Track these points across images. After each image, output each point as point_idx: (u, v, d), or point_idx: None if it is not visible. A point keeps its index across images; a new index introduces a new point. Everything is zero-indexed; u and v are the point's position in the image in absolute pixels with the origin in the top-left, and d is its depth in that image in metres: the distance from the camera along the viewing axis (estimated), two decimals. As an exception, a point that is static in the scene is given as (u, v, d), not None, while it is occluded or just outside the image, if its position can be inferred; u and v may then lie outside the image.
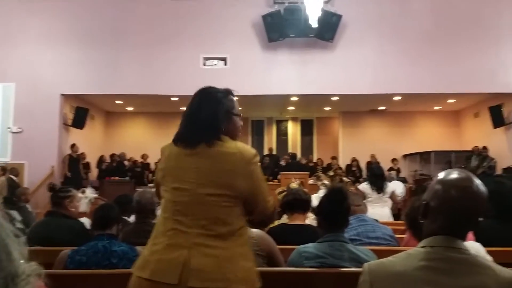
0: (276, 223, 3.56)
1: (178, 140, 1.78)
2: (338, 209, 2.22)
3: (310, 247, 2.25)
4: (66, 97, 10.63)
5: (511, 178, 10.06)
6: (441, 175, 1.41)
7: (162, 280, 1.60)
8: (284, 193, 4.67)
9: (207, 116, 1.76)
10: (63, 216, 3.08)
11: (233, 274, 1.62)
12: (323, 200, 2.29)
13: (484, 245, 2.23)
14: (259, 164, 1.80)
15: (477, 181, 1.36)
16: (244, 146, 1.77)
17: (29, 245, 2.94)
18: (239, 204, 1.72)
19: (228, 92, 1.86)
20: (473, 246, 2.13)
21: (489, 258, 2.11)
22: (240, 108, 1.90)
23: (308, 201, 3.26)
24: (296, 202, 3.18)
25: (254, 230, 2.36)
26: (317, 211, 2.32)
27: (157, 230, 1.73)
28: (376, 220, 4.10)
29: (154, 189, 1.98)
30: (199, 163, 1.71)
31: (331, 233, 2.24)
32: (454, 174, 1.38)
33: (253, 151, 1.78)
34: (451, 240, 1.32)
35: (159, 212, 3.54)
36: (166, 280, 1.59)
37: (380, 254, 2.72)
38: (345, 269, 2.15)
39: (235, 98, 1.89)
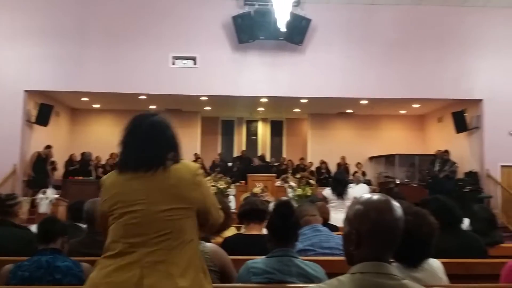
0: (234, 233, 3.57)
1: (128, 167, 1.75)
2: (285, 224, 2.24)
3: (258, 262, 2.25)
4: (30, 93, 10.31)
5: (472, 183, 10.34)
6: (362, 198, 1.45)
7: None
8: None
9: (164, 141, 1.79)
10: (12, 225, 3.00)
11: None
12: (271, 215, 2.30)
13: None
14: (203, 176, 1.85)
15: (395, 204, 1.40)
16: (185, 161, 1.83)
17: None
18: (192, 216, 1.73)
19: (162, 115, 1.88)
20: (432, 264, 2.11)
21: (444, 278, 2.13)
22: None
23: (265, 210, 3.26)
24: (252, 212, 3.17)
25: (208, 244, 2.36)
26: (266, 225, 2.33)
27: (105, 253, 1.68)
28: (336, 227, 4.20)
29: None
30: (147, 183, 1.70)
31: (280, 248, 2.26)
32: (372, 198, 1.43)
33: (196, 164, 1.85)
34: (379, 265, 1.35)
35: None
36: None
37: (333, 264, 2.78)
38: (291, 285, 2.17)
39: None
